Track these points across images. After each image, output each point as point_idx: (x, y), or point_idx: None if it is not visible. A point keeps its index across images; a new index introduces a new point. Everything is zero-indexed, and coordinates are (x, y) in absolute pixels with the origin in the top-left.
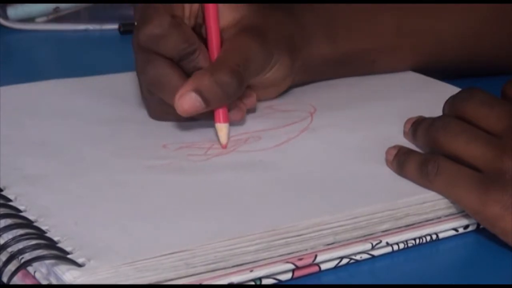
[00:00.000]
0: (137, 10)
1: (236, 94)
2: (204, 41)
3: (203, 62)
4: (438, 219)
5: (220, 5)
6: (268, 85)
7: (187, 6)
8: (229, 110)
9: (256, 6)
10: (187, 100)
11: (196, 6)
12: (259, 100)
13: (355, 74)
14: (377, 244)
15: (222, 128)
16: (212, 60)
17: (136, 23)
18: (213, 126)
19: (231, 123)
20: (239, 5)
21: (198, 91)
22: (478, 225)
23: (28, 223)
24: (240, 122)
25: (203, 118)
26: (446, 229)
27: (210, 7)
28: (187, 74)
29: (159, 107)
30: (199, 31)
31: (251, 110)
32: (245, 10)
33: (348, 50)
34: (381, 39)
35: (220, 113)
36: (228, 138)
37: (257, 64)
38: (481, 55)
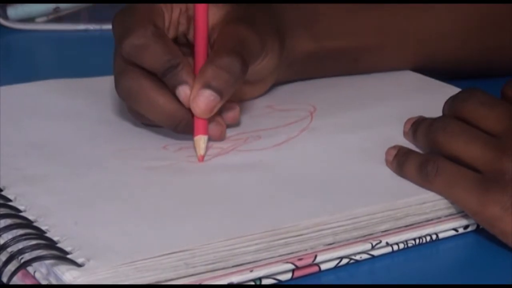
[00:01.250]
0: (117, 21)
1: (242, 75)
2: (186, 52)
3: (187, 76)
4: (438, 219)
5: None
6: (259, 77)
7: (167, 16)
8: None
9: (238, 4)
10: (201, 99)
11: (176, 15)
12: (245, 99)
13: (338, 73)
14: (377, 244)
15: (199, 140)
16: (197, 72)
17: (116, 35)
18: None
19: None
20: (221, 4)
21: (208, 85)
22: (478, 225)
23: (27, 223)
24: (220, 139)
25: (186, 132)
26: (446, 229)
27: (200, 8)
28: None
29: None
30: (181, 42)
31: (233, 125)
32: (229, 6)
33: (330, 47)
34: (363, 38)
35: (200, 125)
36: (205, 150)
37: (254, 45)
38: (471, 55)
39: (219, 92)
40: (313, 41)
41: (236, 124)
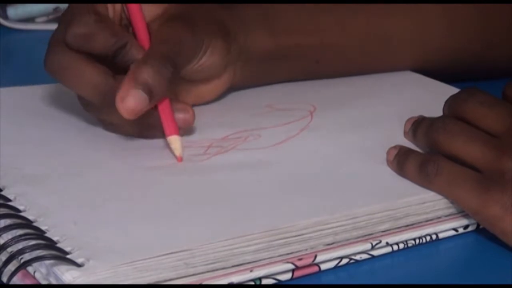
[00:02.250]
0: (64, 11)
1: (173, 78)
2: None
3: (137, 53)
4: (438, 219)
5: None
6: (207, 75)
7: (110, 6)
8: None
9: (176, 3)
10: (131, 98)
11: (118, 7)
12: (201, 102)
13: (300, 74)
14: (377, 244)
15: (173, 140)
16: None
17: (59, 22)
18: (213, 125)
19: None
20: (157, 4)
21: (140, 85)
22: (478, 225)
23: (27, 223)
24: (188, 124)
25: (151, 136)
26: (446, 229)
27: (133, 7)
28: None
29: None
30: (126, 30)
31: (186, 128)
32: (167, 4)
33: (289, 44)
34: (323, 37)
35: (170, 125)
36: (183, 149)
37: (188, 47)
38: (447, 57)
39: (149, 93)
40: (271, 39)
41: (189, 128)
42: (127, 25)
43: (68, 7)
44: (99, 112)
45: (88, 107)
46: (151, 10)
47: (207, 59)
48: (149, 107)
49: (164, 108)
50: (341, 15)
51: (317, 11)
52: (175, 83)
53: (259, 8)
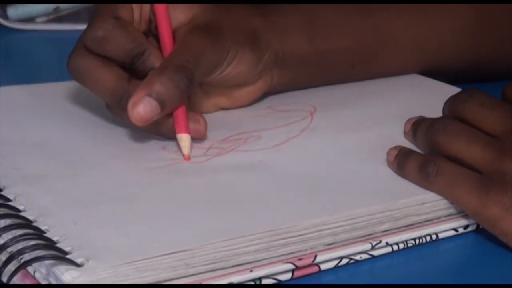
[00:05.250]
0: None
1: (188, 91)
2: (159, 46)
3: (155, 61)
4: (438, 219)
5: (172, 5)
6: (237, 82)
7: (136, 9)
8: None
9: (211, 5)
10: (142, 106)
11: (146, 10)
12: (237, 105)
13: (335, 79)
14: (377, 244)
15: (183, 138)
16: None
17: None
18: (212, 126)
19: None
20: (191, 4)
21: (151, 94)
22: (478, 225)
23: (27, 223)
24: (199, 136)
25: (162, 134)
26: (446, 229)
27: (160, 8)
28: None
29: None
30: (154, 34)
31: (198, 139)
32: (198, 8)
33: (326, 50)
34: (361, 42)
35: (181, 124)
36: (191, 149)
37: (209, 59)
38: (473, 59)
39: (162, 102)
40: (309, 44)
41: (201, 138)
42: (155, 29)
43: (96, 8)
44: (118, 112)
45: (108, 106)
46: (180, 15)
47: (233, 69)
48: (160, 116)
49: (178, 109)
50: (378, 17)
51: (354, 13)
52: (194, 91)
53: (298, 11)
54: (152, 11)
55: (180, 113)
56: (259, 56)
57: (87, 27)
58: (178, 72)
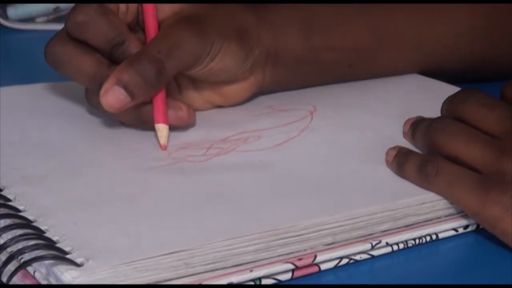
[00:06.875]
0: None
1: (158, 83)
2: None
3: (134, 51)
4: (438, 219)
5: None
6: (225, 78)
7: (123, 6)
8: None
9: (194, 4)
10: (112, 95)
11: (134, 7)
12: (228, 103)
13: (332, 78)
14: (376, 244)
15: (160, 128)
16: None
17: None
18: (212, 126)
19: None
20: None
21: (121, 84)
22: (478, 225)
23: (27, 223)
24: (182, 124)
25: (141, 127)
26: (446, 229)
27: (148, 7)
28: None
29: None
30: (138, 28)
31: (181, 127)
32: (183, 5)
33: (322, 48)
34: (358, 41)
35: (159, 114)
36: (167, 139)
37: (188, 50)
38: (474, 59)
39: (131, 93)
40: (304, 41)
41: (186, 126)
42: (143, 22)
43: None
44: (97, 100)
45: (87, 97)
46: (166, 7)
47: (218, 62)
48: (131, 105)
49: (157, 99)
50: (376, 17)
51: (351, 12)
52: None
53: (294, 9)
54: (140, 11)
55: (158, 102)
56: (247, 51)
57: (69, 12)
58: (147, 63)
